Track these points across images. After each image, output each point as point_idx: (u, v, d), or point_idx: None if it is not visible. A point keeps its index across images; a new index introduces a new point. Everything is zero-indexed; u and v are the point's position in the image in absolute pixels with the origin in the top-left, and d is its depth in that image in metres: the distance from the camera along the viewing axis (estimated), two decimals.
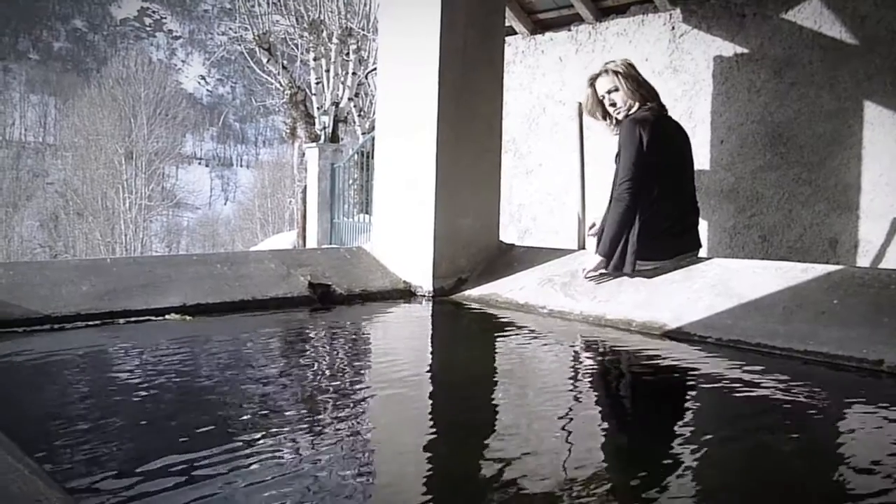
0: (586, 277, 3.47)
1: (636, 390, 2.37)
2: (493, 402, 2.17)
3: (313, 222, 14.75)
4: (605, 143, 4.58)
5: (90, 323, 2.98)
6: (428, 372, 2.50)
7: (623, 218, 3.34)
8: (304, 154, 15.99)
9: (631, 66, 3.52)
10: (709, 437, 1.85)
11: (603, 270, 3.44)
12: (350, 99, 17.42)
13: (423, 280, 3.96)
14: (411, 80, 4.04)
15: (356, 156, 14.26)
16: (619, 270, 3.39)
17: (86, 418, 1.86)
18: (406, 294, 3.96)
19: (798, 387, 2.22)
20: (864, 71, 4.11)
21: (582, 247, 4.09)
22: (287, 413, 1.93)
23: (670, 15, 4.90)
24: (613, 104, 3.52)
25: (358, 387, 2.26)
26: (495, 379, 2.48)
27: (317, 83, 17.38)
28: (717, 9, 4.69)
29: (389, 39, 4.26)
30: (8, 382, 2.22)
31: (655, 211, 3.36)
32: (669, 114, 3.57)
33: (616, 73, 3.47)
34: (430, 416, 1.99)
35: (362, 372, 2.50)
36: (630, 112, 3.46)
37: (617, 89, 3.48)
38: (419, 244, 3.96)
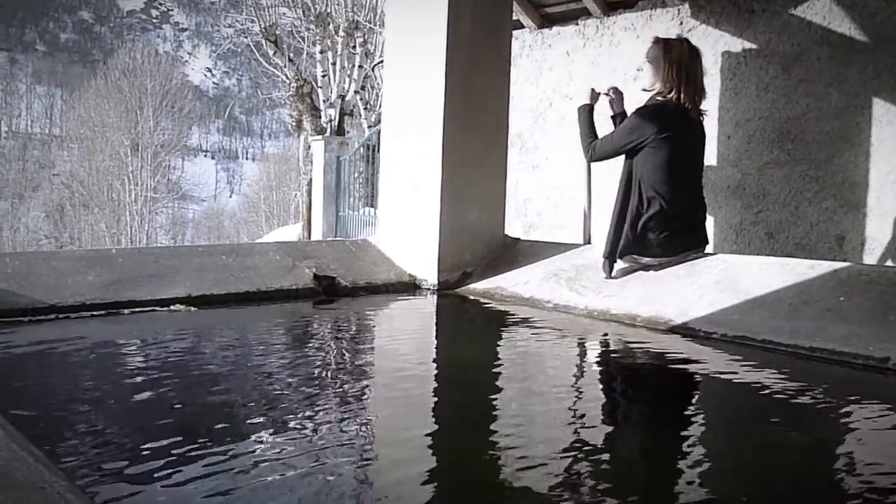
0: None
1: (641, 385, 2.37)
2: (497, 396, 2.16)
3: (318, 215, 14.73)
4: None
5: (95, 313, 2.99)
6: (432, 365, 2.50)
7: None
8: (309, 147, 15.98)
9: (685, 50, 3.44)
10: (714, 433, 1.85)
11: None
12: (356, 92, 17.39)
13: (428, 273, 3.95)
14: (418, 73, 4.02)
15: (362, 149, 14.25)
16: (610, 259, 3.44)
17: (90, 407, 1.86)
18: (411, 287, 3.95)
19: (803, 384, 2.22)
20: (873, 68, 4.09)
21: (587, 242, 4.08)
22: (291, 403, 1.93)
23: (678, 10, 4.87)
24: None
25: (362, 378, 2.26)
26: (499, 372, 2.47)
27: (323, 76, 17.36)
28: (726, 4, 4.66)
29: (397, 30, 4.25)
30: (13, 371, 2.23)
31: (664, 207, 3.35)
32: (702, 107, 3.51)
33: (665, 49, 3.43)
34: (433, 408, 1.99)
35: (366, 364, 2.50)
36: (652, 95, 3.47)
37: (652, 62, 3.47)
38: (424, 237, 3.95)
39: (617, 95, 3.81)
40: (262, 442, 1.59)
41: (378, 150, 10.98)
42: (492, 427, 1.83)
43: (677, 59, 3.40)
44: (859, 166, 4.13)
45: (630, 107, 3.60)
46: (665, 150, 3.33)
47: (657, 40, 3.50)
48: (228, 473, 1.42)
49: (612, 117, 3.80)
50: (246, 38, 19.67)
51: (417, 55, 4.03)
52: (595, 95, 3.77)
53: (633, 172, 3.43)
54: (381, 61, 14.93)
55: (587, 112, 3.73)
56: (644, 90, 3.54)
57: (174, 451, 1.51)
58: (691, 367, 2.49)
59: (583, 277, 3.52)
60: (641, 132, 3.36)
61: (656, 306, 3.09)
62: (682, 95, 3.38)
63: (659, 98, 3.43)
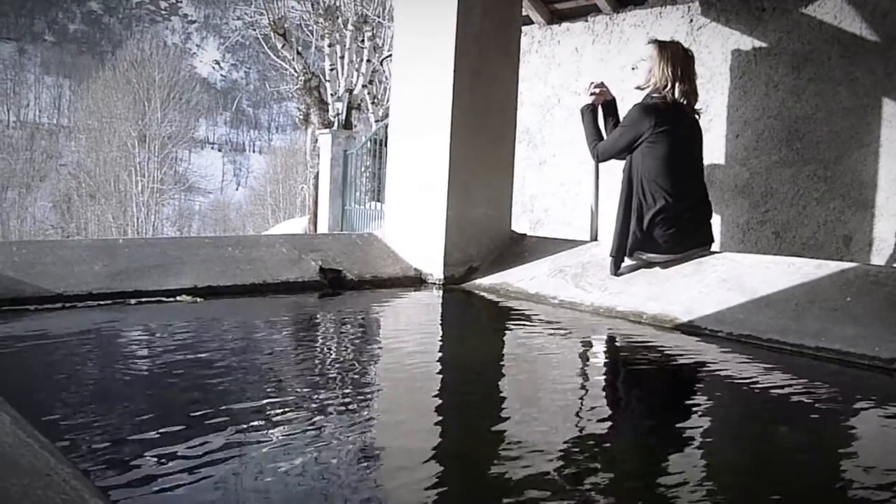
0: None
1: (646, 382, 2.36)
2: (501, 391, 2.16)
3: (325, 209, 14.76)
4: None
5: (101, 302, 2.99)
6: (437, 359, 2.50)
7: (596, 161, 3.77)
8: (316, 140, 16.00)
9: (679, 51, 3.52)
10: (718, 431, 1.84)
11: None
12: (364, 86, 17.41)
13: (433, 268, 3.95)
14: (426, 68, 4.02)
15: (369, 143, 14.26)
16: (618, 257, 3.44)
17: (96, 395, 1.87)
18: (417, 281, 3.95)
19: (809, 384, 2.21)
20: (884, 68, 4.07)
21: (594, 238, 4.07)
22: (295, 395, 1.93)
23: (688, 7, 4.86)
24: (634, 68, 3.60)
25: (366, 371, 2.26)
26: (504, 368, 2.47)
27: (331, 70, 17.38)
28: (736, 2, 4.64)
29: (406, 25, 4.25)
30: (19, 360, 2.23)
31: (668, 202, 3.35)
32: (698, 106, 3.57)
33: (660, 48, 3.50)
34: (438, 402, 1.99)
35: (371, 357, 2.50)
36: (648, 93, 3.52)
37: (647, 61, 3.53)
38: (431, 232, 3.95)
39: (603, 88, 3.84)
40: (265, 433, 1.59)
41: (385, 145, 10.98)
42: (495, 423, 1.83)
43: (671, 58, 3.48)
44: (868, 166, 4.12)
45: (629, 104, 3.61)
46: (663, 144, 3.38)
47: (652, 41, 3.58)
48: (232, 463, 1.43)
49: (602, 107, 3.84)
50: (254, 30, 19.71)
51: (426, 50, 4.03)
52: (593, 95, 3.80)
53: (633, 169, 3.45)
54: (390, 55, 14.94)
55: (590, 113, 3.76)
56: (638, 88, 3.60)
57: (179, 440, 1.52)
58: (696, 366, 2.48)
59: (589, 274, 3.52)
60: (639, 127, 3.41)
61: (662, 304, 3.09)
62: (676, 92, 3.45)
63: (654, 95, 3.48)
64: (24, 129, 48.62)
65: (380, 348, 2.69)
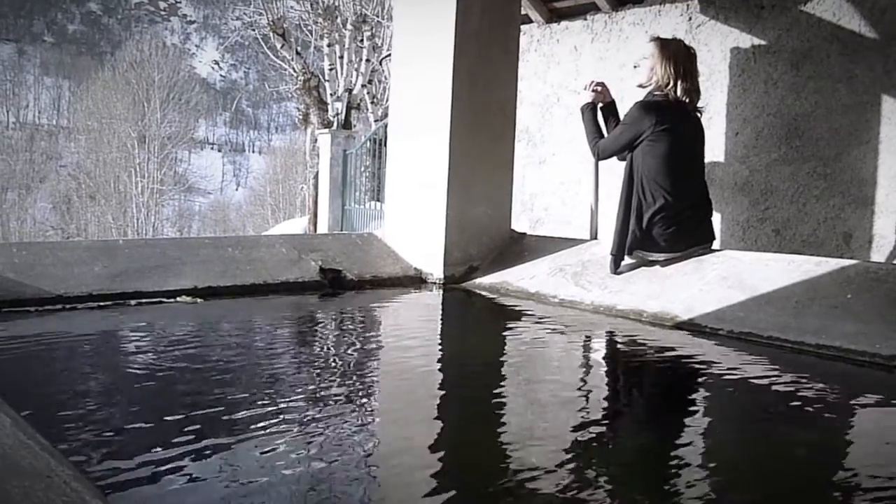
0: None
1: (646, 381, 2.37)
2: (502, 390, 2.16)
3: (325, 209, 14.78)
4: None
5: (102, 304, 2.99)
6: (437, 358, 2.50)
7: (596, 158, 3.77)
8: (316, 140, 16.00)
9: (681, 48, 3.52)
10: (719, 429, 1.84)
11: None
12: (363, 86, 17.41)
13: (434, 267, 3.95)
14: (425, 68, 4.02)
15: (368, 143, 14.26)
16: (618, 256, 3.44)
17: (96, 397, 1.87)
18: (417, 281, 3.95)
19: (810, 381, 2.21)
20: (883, 65, 4.07)
21: (594, 237, 4.07)
22: (296, 395, 1.93)
23: (687, 5, 4.85)
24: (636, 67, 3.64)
25: (366, 371, 2.26)
26: (504, 367, 2.47)
27: (330, 69, 17.38)
28: (735, 0, 4.64)
29: (405, 24, 4.25)
30: (20, 361, 2.23)
31: (668, 201, 3.35)
32: (699, 104, 3.57)
33: (662, 46, 3.50)
34: (438, 402, 1.98)
35: (371, 357, 2.50)
36: (650, 90, 3.52)
37: (649, 59, 3.52)
38: (431, 231, 3.95)
39: (603, 88, 3.83)
40: (266, 433, 1.59)
41: (384, 145, 10.99)
42: (496, 422, 1.83)
43: (673, 56, 3.47)
44: (867, 163, 4.12)
45: (629, 102, 3.61)
46: (664, 143, 3.37)
47: (654, 38, 3.57)
48: (233, 464, 1.43)
49: (601, 109, 3.83)
50: (253, 30, 19.73)
51: (426, 49, 4.03)
52: (592, 93, 3.79)
53: (633, 167, 3.44)
54: (389, 55, 14.94)
55: (590, 111, 3.76)
56: (640, 86, 3.59)
57: (180, 442, 1.52)
58: (697, 364, 2.48)
59: (589, 273, 3.52)
60: (640, 125, 3.41)
61: (662, 302, 3.09)
62: (678, 90, 3.44)
63: (657, 93, 3.47)
64: (24, 131, 48.62)
65: (380, 347, 2.68)
